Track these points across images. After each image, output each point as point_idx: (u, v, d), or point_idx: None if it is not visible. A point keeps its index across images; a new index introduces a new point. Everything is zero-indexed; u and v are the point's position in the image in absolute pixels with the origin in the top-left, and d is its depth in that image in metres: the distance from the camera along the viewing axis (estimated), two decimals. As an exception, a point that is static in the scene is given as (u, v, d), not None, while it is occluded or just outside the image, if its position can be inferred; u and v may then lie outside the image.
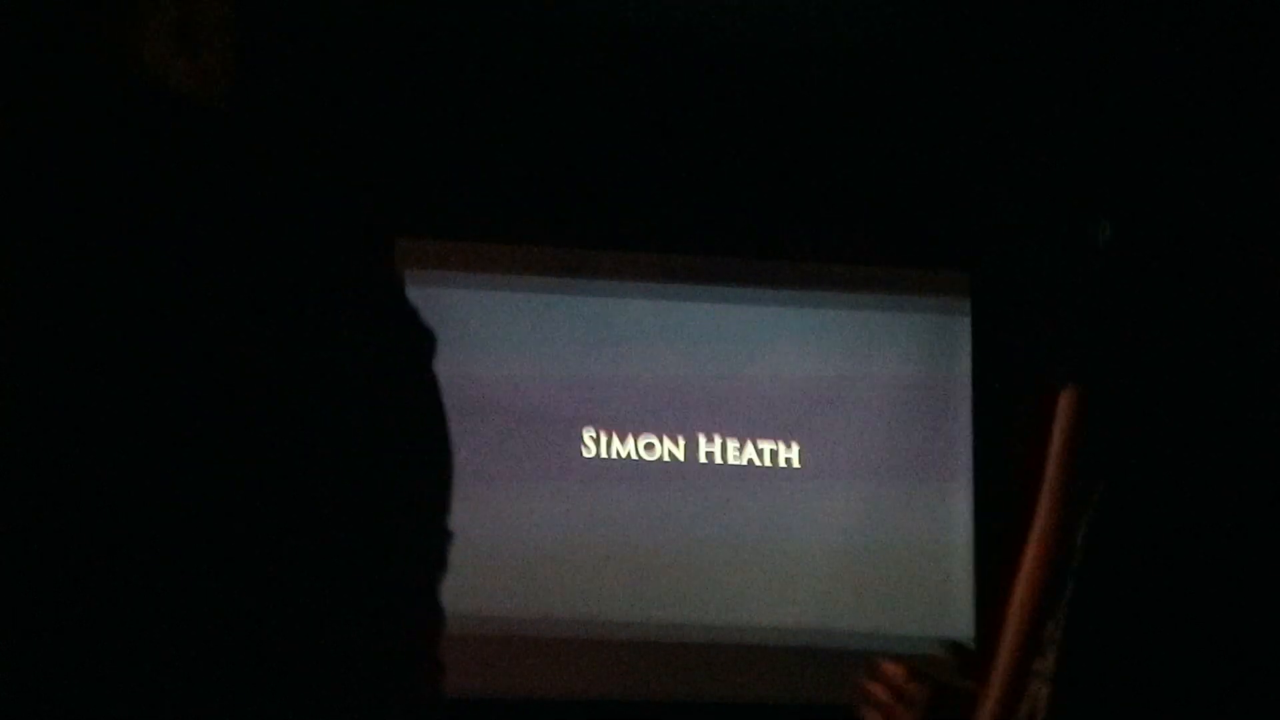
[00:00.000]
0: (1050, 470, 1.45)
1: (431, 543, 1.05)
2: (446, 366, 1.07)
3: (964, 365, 4.55)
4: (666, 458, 4.50)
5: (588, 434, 4.48)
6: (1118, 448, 1.45)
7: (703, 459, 4.51)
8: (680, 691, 4.35)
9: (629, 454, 4.49)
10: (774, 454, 4.51)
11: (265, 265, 0.97)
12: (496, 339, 4.45)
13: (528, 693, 4.25)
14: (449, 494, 1.06)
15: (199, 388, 0.91)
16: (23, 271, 0.91)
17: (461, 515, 1.07)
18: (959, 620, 4.38)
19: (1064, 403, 1.47)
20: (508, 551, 4.29)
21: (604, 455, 4.48)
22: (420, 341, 1.05)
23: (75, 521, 0.88)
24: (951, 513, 4.48)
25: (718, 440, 4.52)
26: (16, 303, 0.90)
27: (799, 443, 4.52)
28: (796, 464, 4.52)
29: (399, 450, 1.00)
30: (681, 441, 4.51)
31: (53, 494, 0.88)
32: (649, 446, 4.50)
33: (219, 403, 0.92)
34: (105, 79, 0.99)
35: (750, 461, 4.52)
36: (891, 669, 1.83)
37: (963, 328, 4.58)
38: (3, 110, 0.95)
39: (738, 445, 4.52)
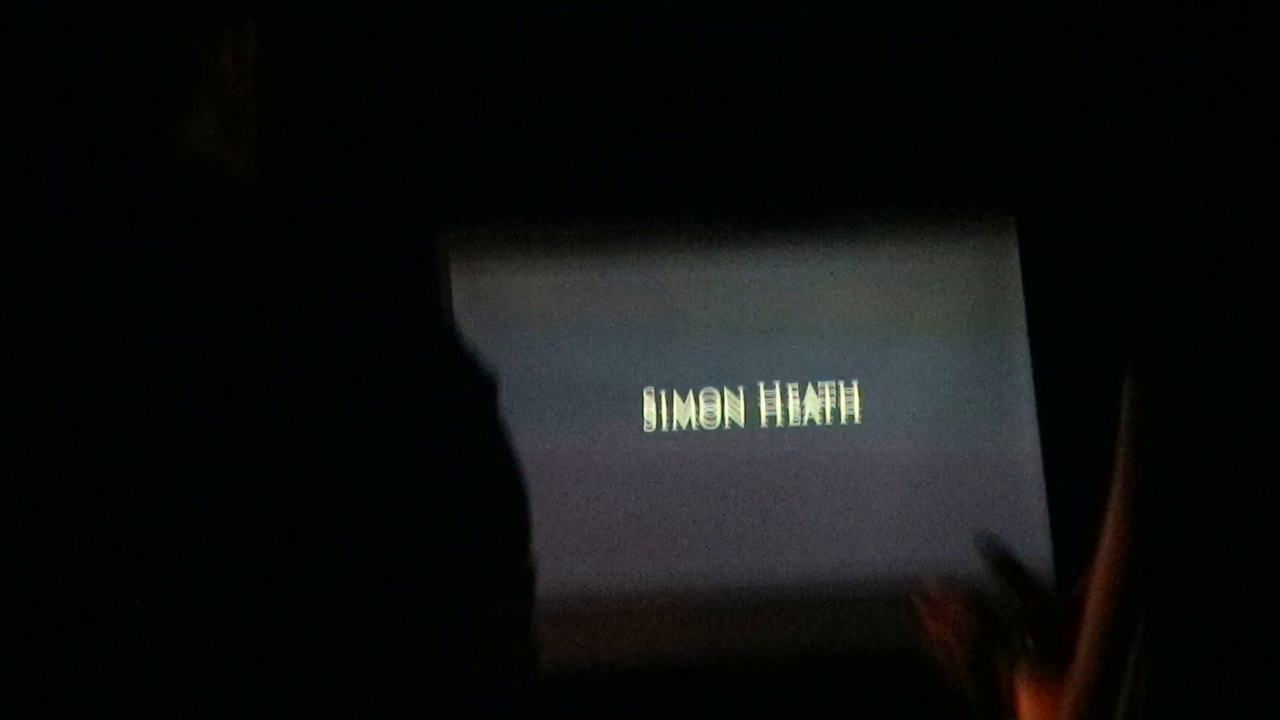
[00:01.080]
0: (1123, 455, 1.44)
1: (518, 522, 1.07)
2: (502, 356, 1.08)
3: (1016, 304, 4.53)
4: (727, 423, 4.51)
5: (648, 400, 4.49)
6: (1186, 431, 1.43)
7: (764, 421, 4.52)
8: (760, 650, 4.38)
9: (690, 420, 4.50)
10: (835, 408, 4.52)
11: (317, 305, 0.99)
12: (549, 322, 4.47)
13: (603, 663, 4.28)
14: (526, 492, 1.08)
15: (277, 400, 0.93)
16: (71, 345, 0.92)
17: (534, 494, 1.08)
18: (1037, 553, 4.37)
19: (1130, 392, 1.45)
20: (575, 528, 4.32)
21: (665, 425, 4.49)
22: (482, 384, 1.06)
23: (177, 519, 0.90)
24: (1019, 448, 4.48)
25: (777, 387, 4.52)
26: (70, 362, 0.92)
27: (858, 388, 4.52)
28: (858, 420, 4.52)
29: (476, 455, 1.02)
30: (742, 392, 4.52)
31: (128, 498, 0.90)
32: (709, 398, 4.50)
33: (299, 408, 0.94)
34: (149, 163, 1.01)
35: (812, 421, 4.52)
36: (935, 592, 1.82)
37: (1012, 267, 4.56)
38: (49, 189, 0.97)
39: (798, 390, 4.51)
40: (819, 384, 4.54)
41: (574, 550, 4.30)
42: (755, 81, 4.49)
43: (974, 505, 4.44)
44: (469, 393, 1.05)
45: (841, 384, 4.54)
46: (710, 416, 4.52)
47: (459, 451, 1.03)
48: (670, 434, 4.50)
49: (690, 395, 4.52)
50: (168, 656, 0.91)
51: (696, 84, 4.49)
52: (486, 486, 1.04)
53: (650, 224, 4.55)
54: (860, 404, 4.53)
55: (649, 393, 4.50)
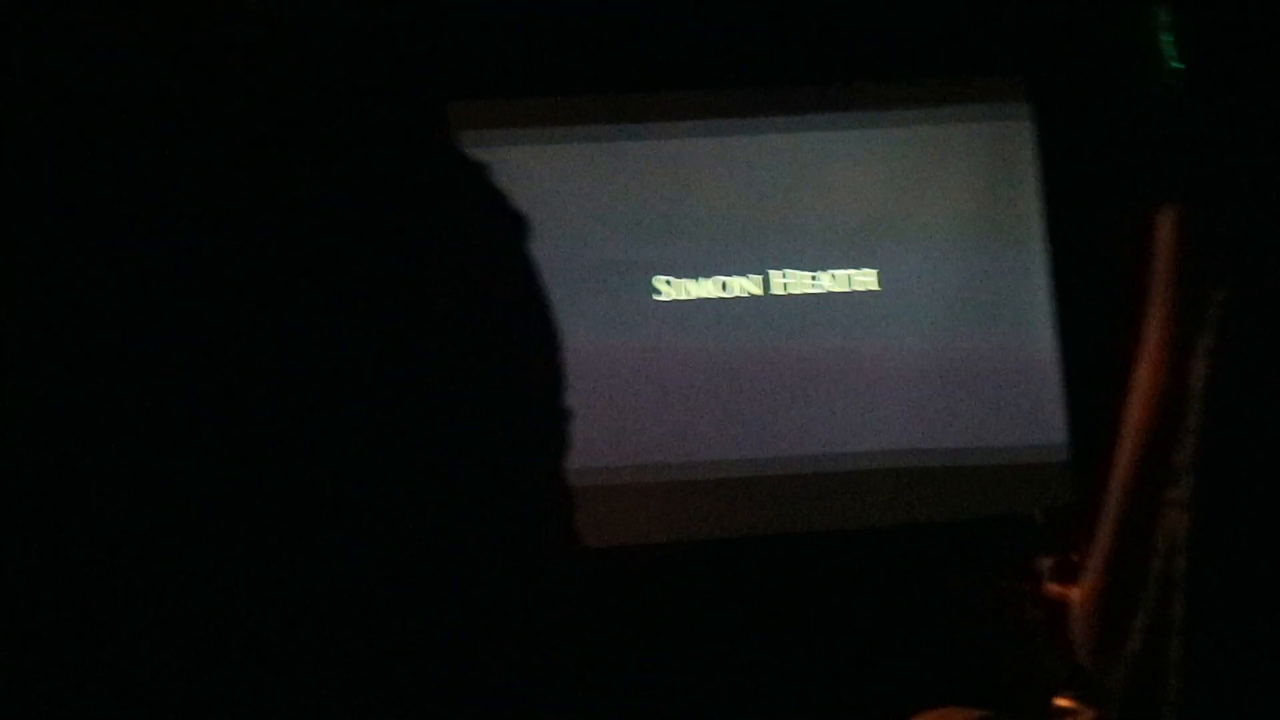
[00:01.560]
0: (1155, 289, 1.38)
1: (553, 419, 1.05)
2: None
3: (1031, 170, 4.48)
4: (742, 294, 4.49)
5: (659, 279, 4.47)
6: (1237, 261, 1.37)
7: (777, 292, 4.49)
8: (776, 524, 4.38)
9: (702, 295, 4.48)
10: (849, 281, 4.49)
11: (335, 166, 0.96)
12: (558, 193, 4.42)
13: (623, 541, 4.29)
14: (562, 376, 1.06)
15: (306, 298, 0.91)
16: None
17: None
18: (1051, 429, 4.37)
19: (1164, 221, 1.39)
20: (588, 404, 4.30)
21: (677, 298, 4.47)
22: (510, 224, 1.04)
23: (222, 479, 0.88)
24: (1033, 321, 4.45)
25: (791, 275, 4.49)
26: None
27: (874, 267, 4.49)
28: (875, 286, 4.49)
29: (509, 328, 1.00)
30: (756, 279, 4.49)
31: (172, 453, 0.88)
32: (722, 286, 4.48)
33: (331, 299, 0.92)
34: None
35: (827, 289, 4.49)
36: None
37: (1024, 132, 4.50)
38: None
39: (811, 278, 4.49)
40: (834, 272, 4.50)
41: (587, 426, 4.28)
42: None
43: (989, 388, 4.43)
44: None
45: (854, 271, 4.49)
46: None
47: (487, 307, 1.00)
48: (682, 301, 4.48)
49: (701, 281, 4.48)
50: (179, 651, 0.90)
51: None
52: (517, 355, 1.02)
53: (662, 98, 4.50)
54: (877, 280, 4.50)
55: (660, 280, 4.47)
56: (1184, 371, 1.35)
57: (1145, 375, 1.39)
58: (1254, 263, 1.34)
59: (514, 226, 1.05)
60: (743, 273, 4.49)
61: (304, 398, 0.90)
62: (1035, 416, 4.40)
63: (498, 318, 1.01)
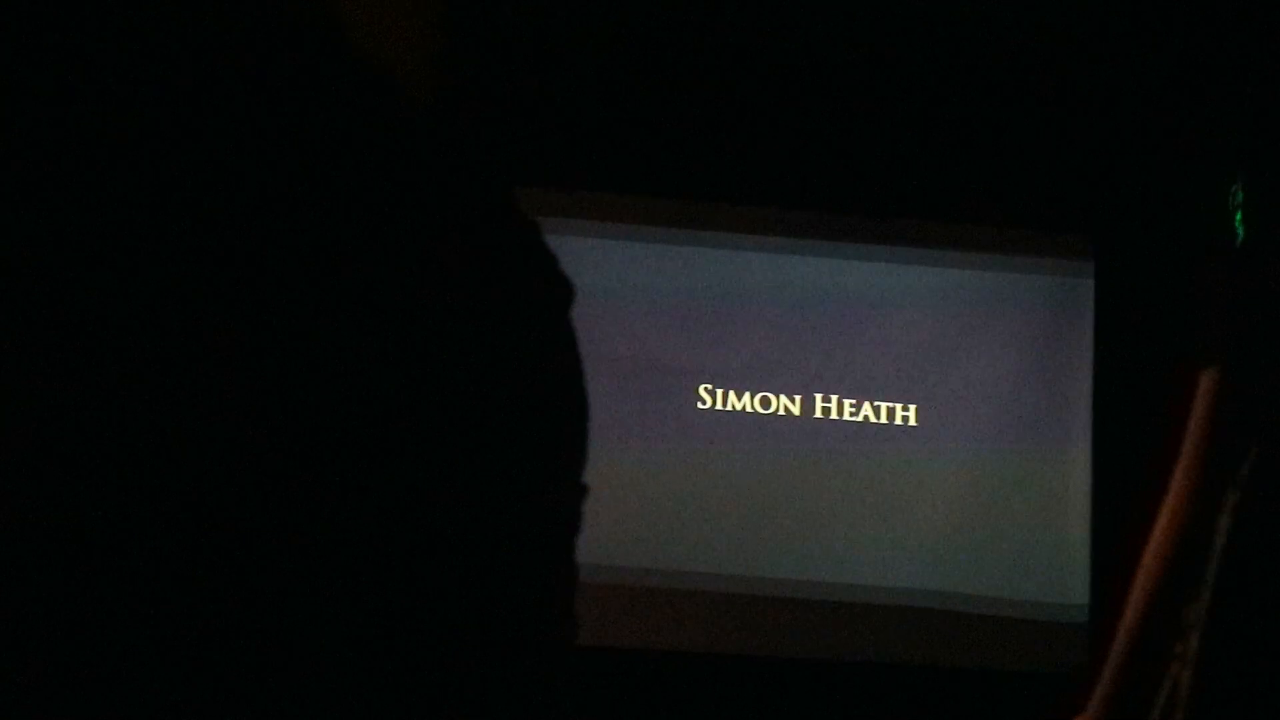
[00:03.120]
0: (1187, 445, 1.39)
1: (568, 497, 1.05)
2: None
3: (1086, 329, 4.48)
4: (782, 413, 4.49)
5: (703, 388, 4.48)
6: (1268, 424, 1.39)
7: (818, 414, 4.49)
8: (791, 648, 4.35)
9: (744, 408, 4.48)
10: (890, 413, 4.48)
11: (396, 224, 0.98)
12: (615, 289, 4.45)
13: (639, 645, 4.26)
14: (585, 448, 1.06)
15: (334, 350, 0.92)
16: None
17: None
18: (1074, 587, 4.33)
19: (1205, 382, 1.41)
20: (619, 503, 4.30)
21: (719, 408, 4.48)
22: (558, 290, 1.05)
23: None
24: (1069, 478, 4.42)
25: (834, 400, 4.49)
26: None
27: (916, 404, 4.48)
28: (914, 422, 4.48)
29: (539, 404, 1.00)
30: (798, 399, 4.49)
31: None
32: (764, 402, 4.49)
33: (355, 364, 0.93)
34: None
35: (866, 419, 4.49)
36: None
37: (1085, 291, 4.50)
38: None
39: (854, 405, 4.49)
40: (876, 403, 4.49)
41: (610, 523, 4.28)
42: (844, 84, 4.47)
43: (1015, 541, 4.40)
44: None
45: (899, 405, 4.49)
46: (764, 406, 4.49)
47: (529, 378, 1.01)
48: (723, 412, 4.48)
49: (744, 395, 4.49)
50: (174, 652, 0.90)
51: (792, 81, 4.48)
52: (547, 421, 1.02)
53: (726, 209, 4.53)
54: (917, 416, 4.49)
55: (704, 388, 4.48)
56: (1206, 526, 1.35)
57: (1166, 526, 1.39)
58: None
59: (564, 302, 1.06)
60: (786, 392, 4.49)
61: (335, 466, 0.91)
62: (1059, 575, 4.36)
63: (533, 393, 1.02)
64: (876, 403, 4.49)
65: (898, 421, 4.48)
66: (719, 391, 4.49)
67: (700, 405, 4.47)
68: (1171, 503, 1.40)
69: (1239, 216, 1.66)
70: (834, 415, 4.49)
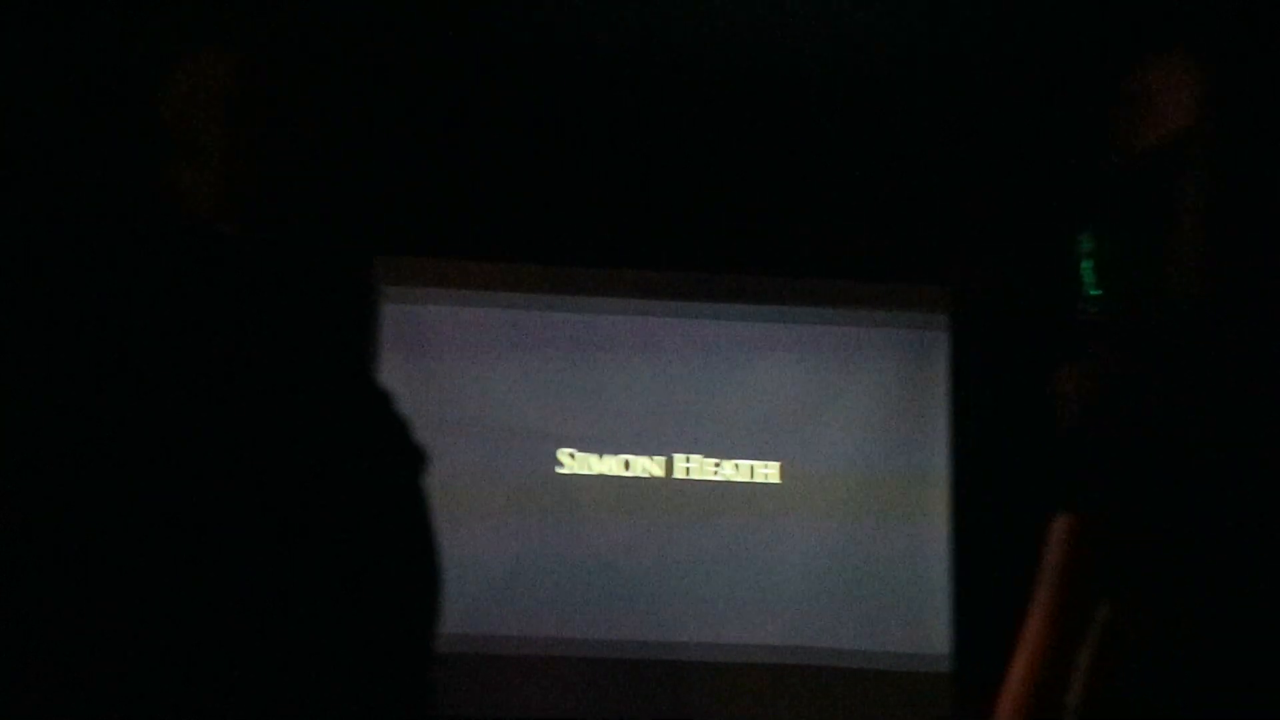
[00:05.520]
0: (1043, 593, 1.41)
1: (419, 564, 1.04)
2: (425, 382, 1.06)
3: (942, 381, 4.54)
4: (644, 474, 4.49)
5: (564, 451, 4.46)
6: (1125, 572, 1.40)
7: (679, 474, 4.50)
8: (658, 711, 4.32)
9: (606, 470, 4.47)
10: (751, 471, 4.50)
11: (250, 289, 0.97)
12: (473, 354, 4.42)
13: (502, 713, 4.21)
14: (430, 518, 1.05)
15: (203, 412, 0.91)
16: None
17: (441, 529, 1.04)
18: (936, 639, 4.37)
19: (1060, 529, 1.42)
20: (480, 569, 4.26)
21: (580, 471, 4.46)
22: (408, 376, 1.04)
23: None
24: (928, 529, 4.47)
25: (696, 459, 4.50)
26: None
27: (778, 461, 4.50)
28: (776, 479, 4.50)
29: (385, 470, 0.99)
30: (659, 460, 4.50)
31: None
32: (626, 464, 4.48)
33: (218, 425, 0.91)
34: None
35: (728, 478, 4.50)
36: None
37: (941, 342, 4.57)
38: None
39: (716, 464, 4.50)
40: (737, 462, 4.51)
41: (472, 590, 4.23)
42: (699, 144, 4.51)
43: (878, 593, 4.43)
44: (394, 462, 1.02)
45: (759, 463, 4.51)
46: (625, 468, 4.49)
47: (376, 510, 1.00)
48: (584, 476, 4.47)
49: (605, 458, 4.49)
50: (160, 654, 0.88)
51: (655, 139, 4.50)
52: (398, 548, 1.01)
53: (585, 273, 4.54)
54: (780, 473, 4.51)
55: (564, 453, 4.47)
56: (1060, 684, 1.37)
57: (1018, 677, 1.40)
58: (1144, 582, 1.36)
59: (410, 379, 1.05)
60: (647, 453, 4.50)
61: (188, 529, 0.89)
62: (922, 627, 4.40)
63: (377, 466, 1.01)
64: (738, 461, 4.51)
65: (759, 479, 4.50)
66: (580, 455, 4.48)
67: (559, 469, 4.46)
68: (1028, 650, 1.41)
69: (1086, 265, 1.68)
70: (696, 475, 4.50)
